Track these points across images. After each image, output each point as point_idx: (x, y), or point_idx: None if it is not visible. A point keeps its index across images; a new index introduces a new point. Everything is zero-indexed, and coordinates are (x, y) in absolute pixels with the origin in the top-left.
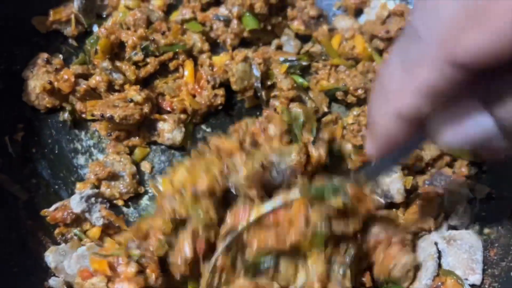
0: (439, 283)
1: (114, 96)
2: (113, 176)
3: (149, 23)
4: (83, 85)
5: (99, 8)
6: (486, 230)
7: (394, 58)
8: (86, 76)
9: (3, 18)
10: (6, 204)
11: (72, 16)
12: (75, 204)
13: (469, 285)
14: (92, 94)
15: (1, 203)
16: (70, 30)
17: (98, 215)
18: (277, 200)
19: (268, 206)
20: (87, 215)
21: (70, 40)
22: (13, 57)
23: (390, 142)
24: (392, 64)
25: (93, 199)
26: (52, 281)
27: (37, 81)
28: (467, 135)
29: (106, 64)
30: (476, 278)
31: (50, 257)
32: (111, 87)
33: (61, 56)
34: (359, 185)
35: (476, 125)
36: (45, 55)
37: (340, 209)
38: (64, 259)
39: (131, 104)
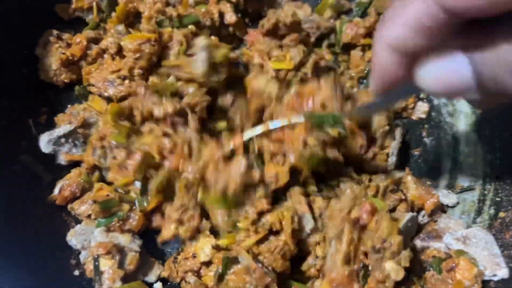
0: (453, 265)
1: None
2: None
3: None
4: (94, 48)
5: None
6: (501, 214)
7: None
8: (97, 41)
9: (27, 5)
10: (31, 185)
11: (94, 4)
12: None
13: (497, 280)
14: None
15: (26, 183)
16: (91, 18)
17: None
18: (284, 120)
19: (274, 124)
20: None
21: None
22: (36, 44)
23: (385, 76)
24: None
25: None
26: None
27: (51, 57)
28: (446, 79)
29: (121, 28)
30: (504, 272)
31: (73, 240)
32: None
33: (72, 32)
34: (355, 119)
35: (455, 69)
36: (54, 32)
37: (336, 138)
38: (86, 237)
39: (126, 82)
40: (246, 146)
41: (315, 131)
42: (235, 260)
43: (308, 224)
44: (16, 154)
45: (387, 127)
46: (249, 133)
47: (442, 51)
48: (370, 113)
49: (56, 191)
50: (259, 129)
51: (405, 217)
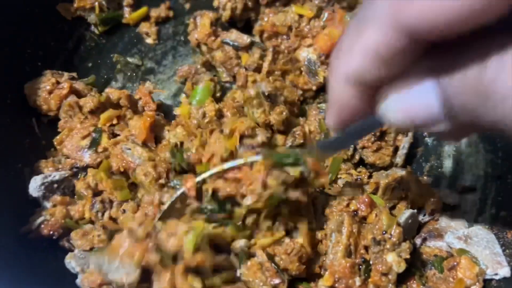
0: (454, 263)
1: None
2: None
3: None
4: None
5: None
6: (502, 213)
7: (354, 18)
8: (79, 95)
9: (29, 4)
10: None
11: (96, 4)
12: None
13: (499, 279)
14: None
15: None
16: (93, 17)
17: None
18: (239, 160)
19: (230, 163)
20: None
21: (93, 27)
22: (39, 43)
23: (344, 111)
24: (350, 25)
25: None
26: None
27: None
28: (412, 111)
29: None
30: (505, 271)
31: (72, 262)
32: None
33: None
34: (317, 158)
35: (421, 98)
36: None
37: (297, 178)
38: (86, 261)
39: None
40: (200, 190)
41: (275, 170)
42: (251, 254)
43: None
44: (19, 152)
45: None
46: (202, 175)
47: (406, 78)
48: (331, 152)
49: (33, 226)
50: (214, 169)
51: (405, 213)
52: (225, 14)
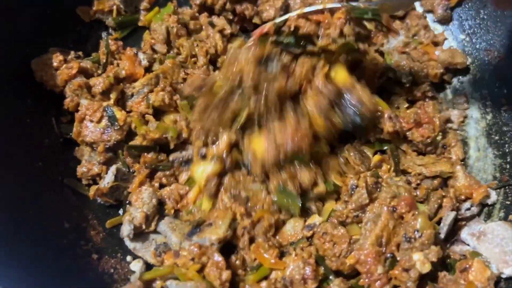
0: (467, 265)
1: None
2: None
3: None
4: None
5: (138, 2)
6: (511, 217)
7: None
8: (87, 75)
9: (50, 7)
10: (53, 182)
11: (114, 7)
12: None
13: (504, 278)
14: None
15: (48, 180)
16: (111, 20)
17: None
18: (318, 6)
19: (311, 7)
20: None
21: (110, 30)
22: (59, 46)
23: None
24: None
25: None
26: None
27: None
28: None
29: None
30: (510, 270)
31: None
32: None
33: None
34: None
35: None
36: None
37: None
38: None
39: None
40: (279, 30)
41: (353, 22)
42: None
43: None
44: (39, 152)
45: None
46: (283, 16)
47: None
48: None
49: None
50: (293, 13)
51: (449, 215)
52: None
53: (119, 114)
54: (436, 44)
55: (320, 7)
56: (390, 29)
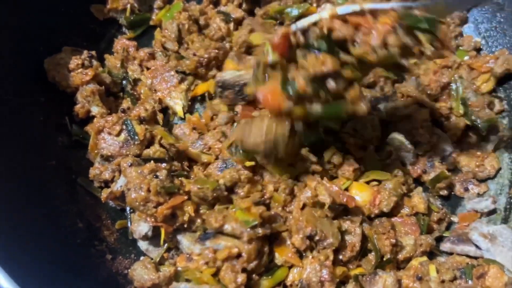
0: (483, 272)
1: None
2: None
3: None
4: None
5: (152, 0)
6: None
7: None
8: (100, 83)
9: (64, 5)
10: (66, 181)
11: (128, 6)
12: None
13: None
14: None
15: (61, 179)
16: (123, 20)
17: None
18: (354, 6)
19: (343, 9)
20: None
21: (124, 28)
22: (73, 44)
23: None
24: None
25: None
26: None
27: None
28: None
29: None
30: None
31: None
32: None
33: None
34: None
35: None
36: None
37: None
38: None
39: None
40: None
41: (403, 31)
42: None
43: None
44: (52, 150)
45: None
46: (313, 17)
47: None
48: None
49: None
50: (325, 13)
51: None
52: None
53: (139, 129)
54: (478, 50)
55: (356, 7)
56: (444, 46)
